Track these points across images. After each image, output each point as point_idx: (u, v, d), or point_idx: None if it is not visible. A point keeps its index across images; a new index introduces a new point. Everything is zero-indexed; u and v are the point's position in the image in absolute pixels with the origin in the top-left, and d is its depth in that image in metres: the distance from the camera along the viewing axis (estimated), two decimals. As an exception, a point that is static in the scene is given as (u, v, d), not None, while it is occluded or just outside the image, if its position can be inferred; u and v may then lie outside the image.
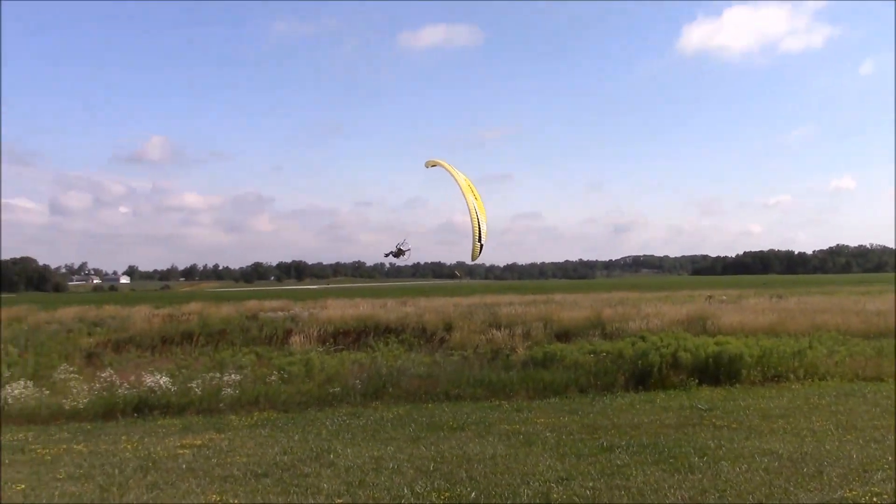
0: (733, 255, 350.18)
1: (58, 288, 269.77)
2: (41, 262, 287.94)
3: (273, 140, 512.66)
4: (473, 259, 15.97)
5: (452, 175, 14.62)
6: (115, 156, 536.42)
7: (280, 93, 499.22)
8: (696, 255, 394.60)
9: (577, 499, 10.19)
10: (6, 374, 25.44)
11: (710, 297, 59.88)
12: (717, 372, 22.77)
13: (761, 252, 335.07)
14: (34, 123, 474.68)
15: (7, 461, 13.18)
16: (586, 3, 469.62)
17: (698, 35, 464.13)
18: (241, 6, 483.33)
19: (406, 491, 10.61)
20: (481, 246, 15.62)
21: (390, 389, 21.68)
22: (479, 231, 15.52)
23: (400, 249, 16.46)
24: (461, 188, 14.63)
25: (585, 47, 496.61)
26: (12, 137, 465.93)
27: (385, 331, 41.03)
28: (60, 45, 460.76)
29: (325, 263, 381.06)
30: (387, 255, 16.36)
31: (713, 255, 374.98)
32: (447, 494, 10.41)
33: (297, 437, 15.23)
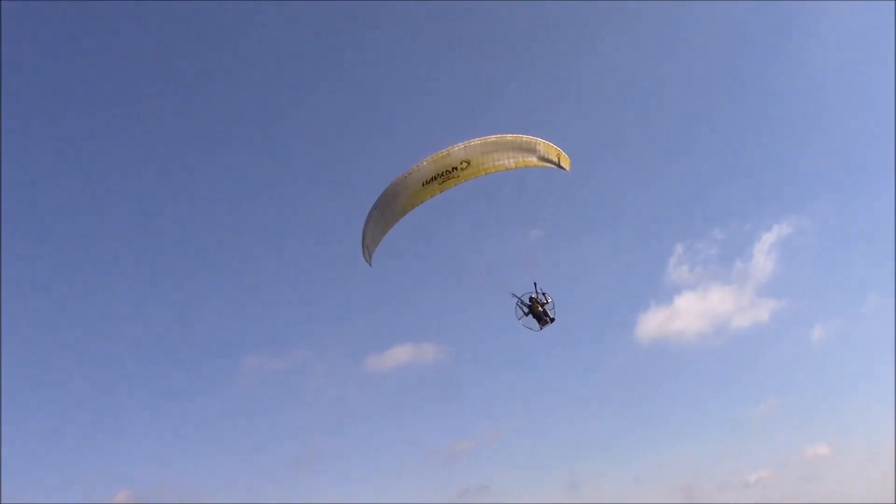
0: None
1: None
2: None
3: (244, 478, 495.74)
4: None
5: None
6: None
7: (249, 430, 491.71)
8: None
9: None
10: None
11: None
12: None
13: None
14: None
15: None
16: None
17: (654, 322, 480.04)
18: (213, 343, 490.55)
19: None
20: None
21: None
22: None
23: (535, 301, 12.52)
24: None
25: (548, 351, 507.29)
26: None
27: None
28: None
29: None
30: (520, 317, 12.49)
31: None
32: None
33: None
